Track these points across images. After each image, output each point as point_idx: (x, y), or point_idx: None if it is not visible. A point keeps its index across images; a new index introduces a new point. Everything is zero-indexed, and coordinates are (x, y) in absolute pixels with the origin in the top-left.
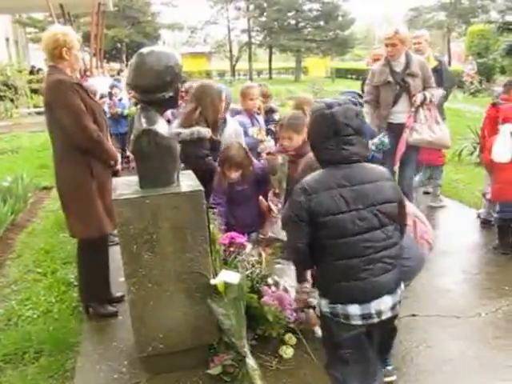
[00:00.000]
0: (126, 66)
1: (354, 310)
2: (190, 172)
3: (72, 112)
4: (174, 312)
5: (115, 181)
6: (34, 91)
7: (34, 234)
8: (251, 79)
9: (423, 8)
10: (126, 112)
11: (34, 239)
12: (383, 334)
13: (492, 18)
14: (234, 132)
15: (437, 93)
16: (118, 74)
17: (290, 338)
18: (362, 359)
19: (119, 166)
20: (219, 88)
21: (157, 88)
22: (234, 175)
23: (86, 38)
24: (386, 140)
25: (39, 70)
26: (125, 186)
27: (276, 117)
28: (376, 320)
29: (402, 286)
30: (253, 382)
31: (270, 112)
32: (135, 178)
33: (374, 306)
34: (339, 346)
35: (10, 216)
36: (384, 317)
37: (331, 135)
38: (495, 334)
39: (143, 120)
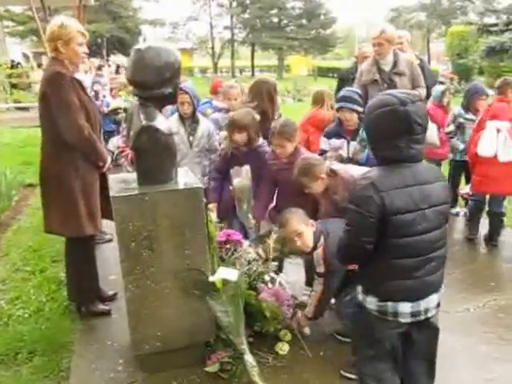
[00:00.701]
0: (107, 61)
1: (406, 308)
2: (187, 169)
3: (66, 107)
4: (172, 310)
5: (111, 178)
6: (14, 86)
7: (21, 232)
8: (234, 76)
9: (403, 8)
10: (106, 110)
11: (21, 237)
12: (426, 334)
13: (471, 20)
14: (207, 130)
15: (423, 92)
16: (99, 69)
17: (286, 335)
18: (393, 358)
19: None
20: (274, 81)
21: (156, 84)
22: (239, 137)
23: None
24: None
25: (18, 64)
26: (122, 182)
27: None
28: (423, 317)
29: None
30: (251, 378)
31: None
32: (132, 175)
33: (424, 304)
34: (379, 343)
35: None
36: (429, 314)
37: (403, 133)
38: (483, 329)
39: (142, 116)
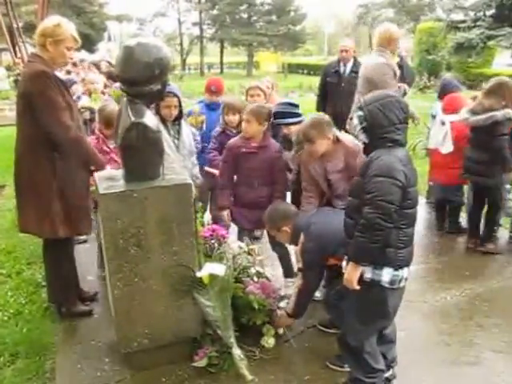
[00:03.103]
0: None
1: (406, 273)
2: (174, 165)
3: (52, 106)
4: (160, 306)
5: (97, 175)
6: None
7: None
8: (202, 74)
9: (372, 5)
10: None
11: None
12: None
13: (439, 17)
14: (190, 132)
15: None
16: (74, 65)
17: (269, 329)
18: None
19: None
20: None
21: (145, 81)
22: (232, 118)
23: (28, 28)
24: None
25: None
26: (108, 179)
27: None
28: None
29: None
30: (239, 371)
31: None
32: (118, 172)
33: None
34: (388, 316)
35: None
36: None
37: (402, 120)
38: (460, 315)
39: (131, 113)
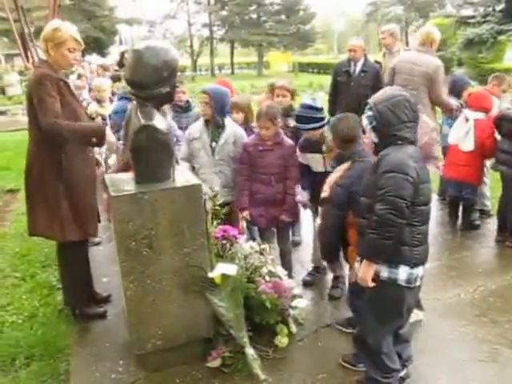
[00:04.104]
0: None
1: (421, 271)
2: (184, 168)
3: (42, 100)
4: (172, 307)
5: (108, 178)
6: None
7: (6, 239)
8: (213, 75)
9: (381, 2)
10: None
11: (7, 244)
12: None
13: (449, 13)
14: (232, 136)
15: None
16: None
17: (282, 329)
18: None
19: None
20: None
21: (154, 83)
22: (237, 116)
23: (39, 34)
24: None
25: None
26: (119, 182)
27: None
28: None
29: None
30: (253, 371)
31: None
32: (128, 175)
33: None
34: (403, 315)
35: None
36: None
37: (411, 119)
38: (475, 312)
39: (140, 115)
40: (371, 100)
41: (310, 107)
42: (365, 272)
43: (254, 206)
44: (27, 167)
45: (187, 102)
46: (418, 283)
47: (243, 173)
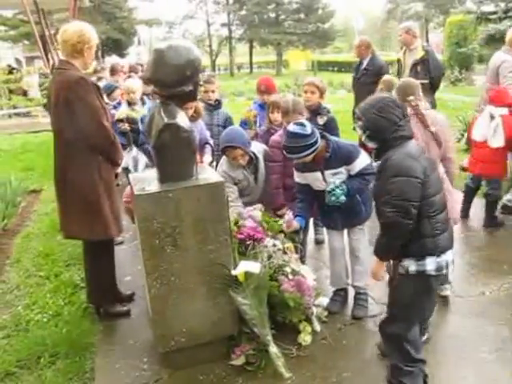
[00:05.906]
0: (103, 62)
1: (449, 256)
2: (206, 166)
3: (93, 112)
4: (196, 305)
5: (132, 177)
6: (10, 92)
7: (30, 238)
8: (232, 74)
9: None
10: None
11: (31, 243)
12: None
13: (469, 9)
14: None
15: None
16: (94, 72)
17: (306, 327)
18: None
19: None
20: None
21: (177, 82)
22: (277, 116)
23: None
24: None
25: (13, 69)
26: (143, 181)
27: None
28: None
29: None
30: (276, 369)
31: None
32: (150, 173)
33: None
34: (433, 304)
35: (1, 221)
36: None
37: (401, 116)
38: (500, 311)
39: (164, 114)
40: (358, 111)
41: (300, 136)
42: (376, 268)
43: (287, 201)
44: (59, 170)
45: (216, 100)
46: (450, 268)
47: (277, 171)
